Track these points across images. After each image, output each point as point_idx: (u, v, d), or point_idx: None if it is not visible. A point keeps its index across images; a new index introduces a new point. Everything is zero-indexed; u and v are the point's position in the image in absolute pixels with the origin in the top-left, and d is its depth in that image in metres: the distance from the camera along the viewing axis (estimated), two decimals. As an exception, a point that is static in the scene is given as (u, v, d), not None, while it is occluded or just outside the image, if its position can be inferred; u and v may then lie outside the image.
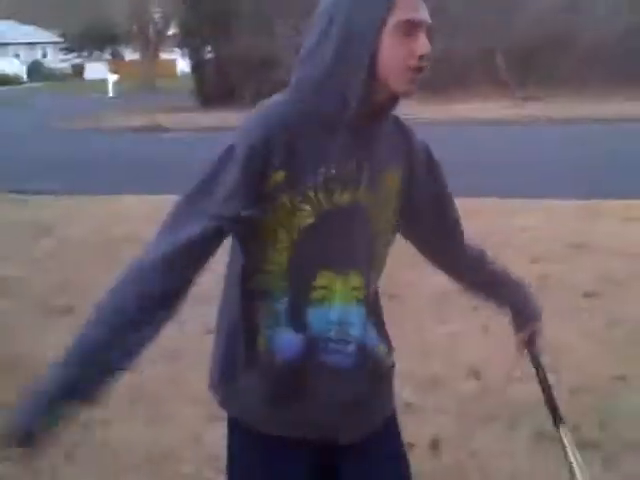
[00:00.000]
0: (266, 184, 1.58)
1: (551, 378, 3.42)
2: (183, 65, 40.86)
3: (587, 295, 4.90)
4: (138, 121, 20.70)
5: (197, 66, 28.63)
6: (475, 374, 3.81)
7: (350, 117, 1.60)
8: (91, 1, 47.90)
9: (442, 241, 1.92)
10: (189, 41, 29.10)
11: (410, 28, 1.58)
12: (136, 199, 9.17)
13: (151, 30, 40.51)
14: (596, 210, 7.52)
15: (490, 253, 1.94)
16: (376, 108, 1.64)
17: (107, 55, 53.67)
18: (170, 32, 39.32)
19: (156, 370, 3.83)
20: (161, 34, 40.82)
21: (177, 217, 1.61)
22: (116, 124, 20.57)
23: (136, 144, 16.95)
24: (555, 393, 1.99)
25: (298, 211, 1.61)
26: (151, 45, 40.25)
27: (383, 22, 1.57)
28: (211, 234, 1.58)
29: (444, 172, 1.84)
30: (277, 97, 1.67)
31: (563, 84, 25.95)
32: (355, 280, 1.68)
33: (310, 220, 1.61)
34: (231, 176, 1.57)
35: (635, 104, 20.78)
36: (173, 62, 46.74)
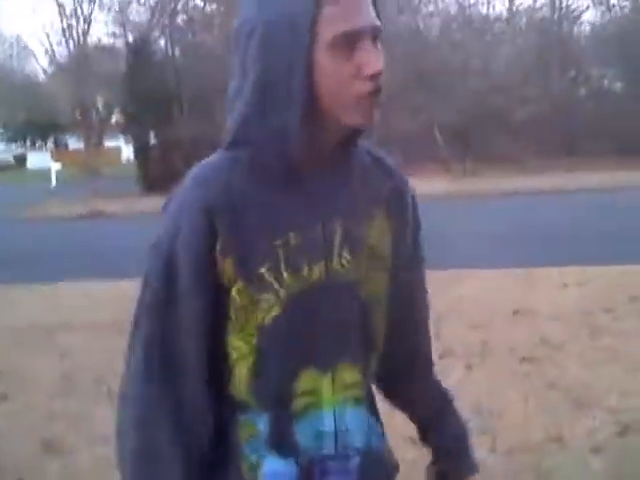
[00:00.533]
0: (213, 277, 1.22)
1: (488, 440, 3.46)
2: (127, 152, 41.04)
3: (525, 359, 4.96)
4: (80, 209, 20.62)
5: (140, 152, 28.76)
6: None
7: (295, 164, 1.21)
8: (33, 90, 48.11)
9: (398, 333, 1.41)
10: (132, 128, 29.27)
11: (351, 40, 1.18)
12: (73, 286, 9.05)
13: (94, 118, 40.73)
14: (533, 278, 7.67)
15: (431, 322, 1.52)
16: (329, 148, 1.27)
17: (50, 144, 53.64)
18: (113, 119, 39.62)
19: None
20: (104, 122, 41.05)
21: (150, 352, 1.24)
22: (57, 212, 20.46)
23: (77, 231, 16.82)
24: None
25: (256, 304, 1.22)
26: (94, 133, 40.40)
27: (312, 36, 1.17)
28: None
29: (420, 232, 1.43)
30: (205, 160, 1.31)
31: (499, 159, 26.73)
32: (348, 375, 1.30)
33: (274, 312, 1.23)
34: (181, 272, 1.23)
35: (566, 176, 21.48)
36: (117, 149, 46.87)
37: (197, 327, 1.24)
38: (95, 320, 7.14)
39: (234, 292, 1.22)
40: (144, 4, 30.84)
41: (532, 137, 27.67)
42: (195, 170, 1.28)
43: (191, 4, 31.27)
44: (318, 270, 1.25)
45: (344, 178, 1.29)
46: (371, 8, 1.20)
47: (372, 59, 1.18)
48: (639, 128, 26.52)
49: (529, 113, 27.05)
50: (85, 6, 33.64)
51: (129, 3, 31.09)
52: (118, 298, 7.69)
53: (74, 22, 36.11)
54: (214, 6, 31.58)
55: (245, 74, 1.23)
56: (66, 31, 37.42)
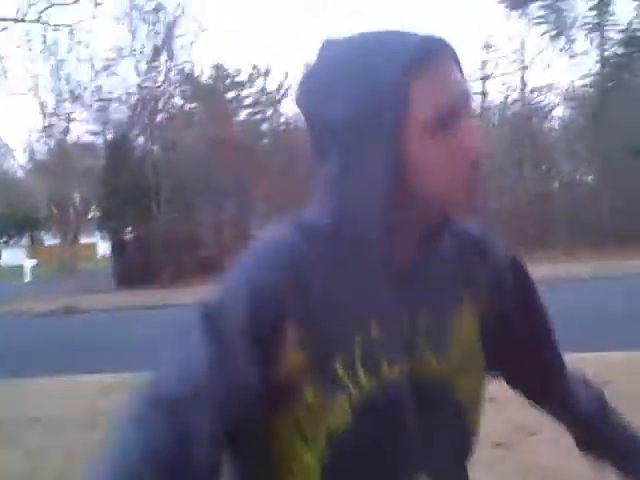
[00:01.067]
0: (277, 370, 0.99)
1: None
2: (103, 248, 41.04)
3: (498, 445, 4.89)
4: (53, 304, 20.46)
5: (117, 247, 28.78)
6: None
7: (385, 247, 1.05)
8: (10, 187, 48.35)
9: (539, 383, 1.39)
10: (109, 223, 29.38)
11: (447, 120, 1.01)
12: (42, 381, 8.88)
13: (71, 213, 40.85)
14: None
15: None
16: (419, 231, 1.10)
17: (26, 240, 53.58)
18: (90, 215, 39.76)
19: None
20: (81, 217, 41.16)
21: None
22: (29, 308, 20.29)
23: (48, 327, 16.67)
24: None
25: (327, 409, 1.01)
26: (71, 229, 40.44)
27: (403, 120, 1.00)
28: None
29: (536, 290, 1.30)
30: (276, 232, 1.09)
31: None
32: None
33: (346, 419, 1.02)
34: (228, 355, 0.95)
35: (538, 267, 21.64)
36: (93, 245, 46.90)
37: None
38: (63, 416, 6.99)
39: (306, 391, 1.00)
40: (125, 102, 31.42)
41: (508, 229, 28.05)
42: (260, 245, 1.07)
43: (171, 102, 31.92)
44: (399, 369, 1.05)
45: (430, 266, 1.13)
46: (466, 83, 1.06)
47: (475, 139, 1.03)
48: (612, 219, 27.04)
49: (504, 205, 27.52)
50: (67, 105, 34.15)
51: (110, 102, 31.65)
52: (87, 393, 7.55)
53: (55, 120, 36.59)
54: (194, 104, 32.26)
55: (323, 155, 1.07)
56: (46, 129, 37.88)
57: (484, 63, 32.56)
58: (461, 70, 1.06)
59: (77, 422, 6.26)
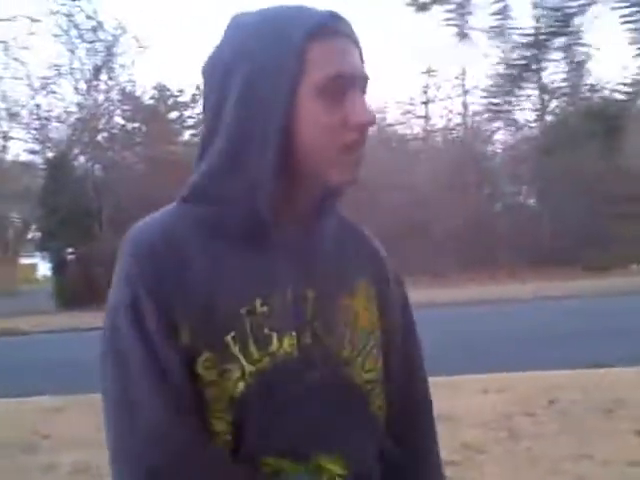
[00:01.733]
0: (179, 342, 1.06)
1: None
2: (44, 268, 40.21)
3: (446, 463, 4.88)
4: (-8, 326, 19.94)
5: (58, 268, 28.23)
6: None
7: (265, 222, 1.08)
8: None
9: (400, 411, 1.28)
10: (50, 244, 28.84)
11: (341, 86, 1.07)
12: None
13: (10, 233, 39.97)
14: (454, 385, 7.66)
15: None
16: (303, 207, 1.14)
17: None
18: (29, 235, 38.95)
19: None
20: (20, 238, 40.30)
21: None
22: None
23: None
24: None
25: (224, 380, 1.06)
26: (10, 249, 39.54)
27: (299, 80, 1.06)
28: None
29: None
30: (150, 217, 1.16)
31: (420, 272, 27.27)
32: (333, 466, 1.11)
33: (242, 390, 1.06)
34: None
35: (482, 288, 21.98)
36: (33, 266, 45.94)
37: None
38: (4, 438, 6.78)
39: (199, 366, 1.05)
40: (64, 121, 30.94)
41: (452, 250, 28.41)
42: (134, 232, 1.13)
43: (112, 122, 31.56)
44: (290, 343, 1.08)
45: (318, 240, 1.16)
46: (358, 54, 1.12)
47: (363, 108, 1.08)
48: (553, 241, 27.59)
49: (449, 227, 27.87)
50: (3, 123, 33.46)
51: (49, 120, 31.14)
52: (29, 416, 7.35)
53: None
54: (135, 124, 31.97)
55: (219, 117, 1.09)
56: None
57: (426, 87, 33.08)
58: (361, 52, 1.13)
59: (19, 445, 6.09)
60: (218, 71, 1.10)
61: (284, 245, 1.12)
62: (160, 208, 1.17)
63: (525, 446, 5.21)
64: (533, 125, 34.42)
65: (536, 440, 5.34)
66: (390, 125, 34.35)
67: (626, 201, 27.11)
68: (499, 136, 34.80)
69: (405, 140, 34.09)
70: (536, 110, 34.57)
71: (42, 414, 7.27)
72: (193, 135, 31.63)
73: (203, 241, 1.09)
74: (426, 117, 33.86)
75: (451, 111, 37.13)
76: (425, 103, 33.70)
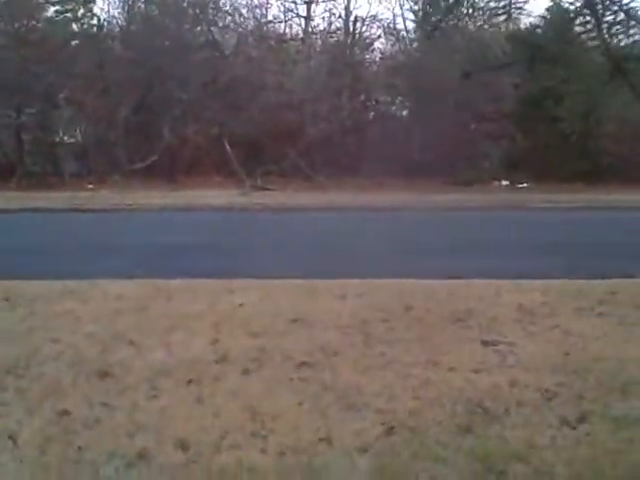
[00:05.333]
0: None
1: (260, 442, 3.42)
2: None
3: (302, 365, 4.99)
4: None
5: None
6: (183, 446, 3.67)
7: None
8: None
9: None
10: None
11: None
12: None
13: None
14: (313, 289, 7.78)
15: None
16: None
17: None
18: None
19: None
20: None
21: None
22: None
23: None
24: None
25: None
26: None
27: None
28: None
29: None
30: None
31: (290, 174, 27.38)
32: None
33: None
34: None
35: (353, 194, 22.35)
36: None
37: None
38: None
39: None
40: None
41: (322, 155, 28.53)
42: None
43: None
44: None
45: None
46: None
47: None
48: (424, 153, 28.17)
49: (320, 132, 27.88)
50: None
51: None
52: None
53: None
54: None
55: None
56: None
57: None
58: None
59: None
60: None
61: None
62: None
63: (379, 351, 5.38)
64: (413, 37, 34.61)
65: (389, 345, 5.52)
66: (270, 22, 33.58)
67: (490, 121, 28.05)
68: (379, 44, 34.73)
69: (284, 39, 33.39)
70: (416, 22, 34.75)
71: None
72: (58, 12, 29.59)
73: None
74: (307, 18, 33.23)
75: (333, 14, 36.72)
76: (307, 3, 33.03)
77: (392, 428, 3.84)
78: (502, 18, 33.87)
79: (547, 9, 28.89)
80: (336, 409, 4.16)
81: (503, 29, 32.66)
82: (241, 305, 6.88)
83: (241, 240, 13.19)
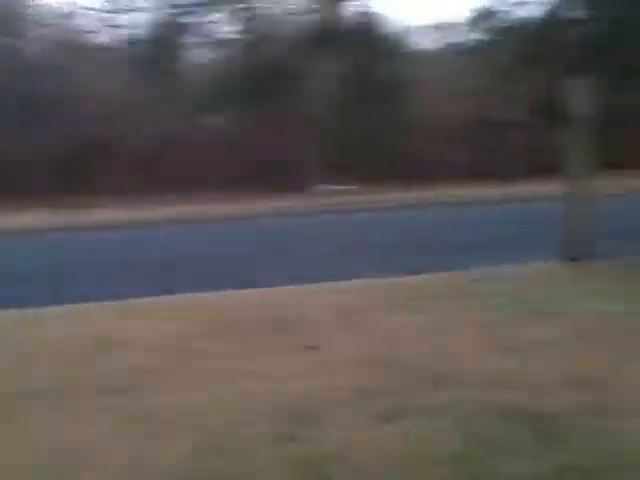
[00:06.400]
0: None
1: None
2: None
3: (111, 391, 4.73)
4: None
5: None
6: None
7: None
8: None
9: None
10: None
11: None
12: None
13: None
14: (127, 309, 7.49)
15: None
16: None
17: None
18: None
19: None
20: None
21: None
22: None
23: None
24: None
25: None
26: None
27: None
28: None
29: None
30: None
31: (103, 191, 26.52)
32: None
33: None
34: None
35: (172, 208, 22.03)
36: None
37: None
38: None
39: None
40: None
41: (138, 171, 27.88)
42: None
43: None
44: None
45: None
46: None
47: None
48: (245, 162, 28.23)
49: (135, 146, 27.25)
50: None
51: None
52: None
53: None
54: None
55: None
56: None
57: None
58: None
59: None
60: None
61: None
62: None
63: (198, 366, 5.21)
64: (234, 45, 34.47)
65: (209, 359, 5.37)
66: (80, 32, 32.38)
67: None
68: (198, 52, 34.28)
69: (94, 49, 32.26)
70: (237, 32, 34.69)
71: None
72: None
73: None
74: (115, 27, 32.31)
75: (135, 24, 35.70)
76: (116, 12, 32.14)
77: (204, 449, 3.67)
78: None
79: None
80: (150, 432, 3.95)
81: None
82: (47, 334, 6.48)
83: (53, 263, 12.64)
